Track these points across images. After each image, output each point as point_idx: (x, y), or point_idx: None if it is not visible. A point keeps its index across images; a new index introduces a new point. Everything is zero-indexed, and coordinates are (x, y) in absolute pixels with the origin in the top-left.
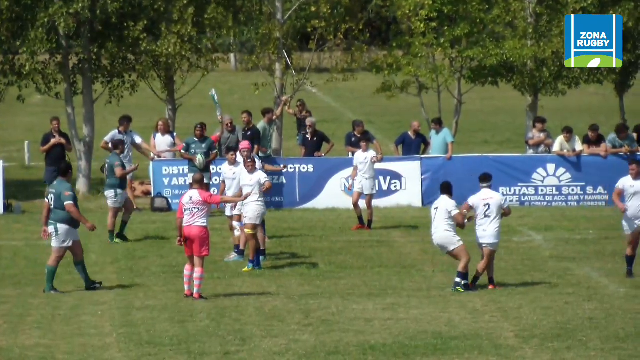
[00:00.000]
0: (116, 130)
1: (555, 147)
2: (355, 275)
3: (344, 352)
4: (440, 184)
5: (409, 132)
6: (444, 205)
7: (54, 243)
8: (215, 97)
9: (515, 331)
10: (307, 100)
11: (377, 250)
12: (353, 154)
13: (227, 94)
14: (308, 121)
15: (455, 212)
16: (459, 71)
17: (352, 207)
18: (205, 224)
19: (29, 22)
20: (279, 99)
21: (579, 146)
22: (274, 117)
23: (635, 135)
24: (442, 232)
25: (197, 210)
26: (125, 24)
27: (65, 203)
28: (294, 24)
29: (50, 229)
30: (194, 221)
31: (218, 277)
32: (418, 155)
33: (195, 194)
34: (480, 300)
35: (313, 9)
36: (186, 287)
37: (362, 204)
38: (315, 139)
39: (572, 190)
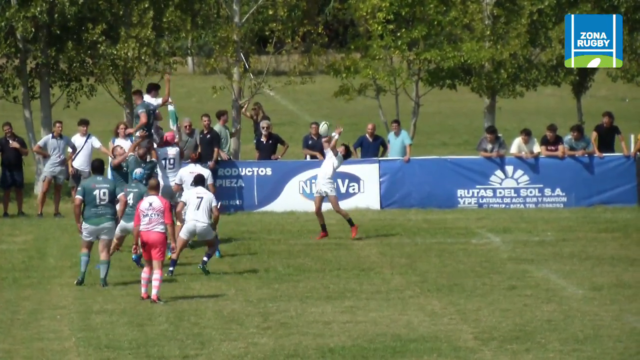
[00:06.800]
0: (49, 135)
1: (513, 149)
2: (314, 278)
3: (303, 355)
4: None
5: (367, 135)
6: (209, 197)
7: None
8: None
9: (474, 333)
10: (264, 103)
11: (335, 253)
12: (310, 157)
13: (184, 97)
14: (263, 123)
15: (214, 204)
16: (416, 73)
17: (310, 210)
18: (163, 230)
19: None
20: (235, 102)
21: (537, 148)
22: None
23: (595, 134)
24: (206, 224)
25: (156, 216)
26: (84, 28)
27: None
28: (252, 27)
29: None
30: (152, 227)
31: (176, 280)
32: (376, 158)
33: (155, 200)
34: (439, 303)
35: (270, 12)
36: (143, 289)
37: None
38: (270, 141)
39: (530, 192)
